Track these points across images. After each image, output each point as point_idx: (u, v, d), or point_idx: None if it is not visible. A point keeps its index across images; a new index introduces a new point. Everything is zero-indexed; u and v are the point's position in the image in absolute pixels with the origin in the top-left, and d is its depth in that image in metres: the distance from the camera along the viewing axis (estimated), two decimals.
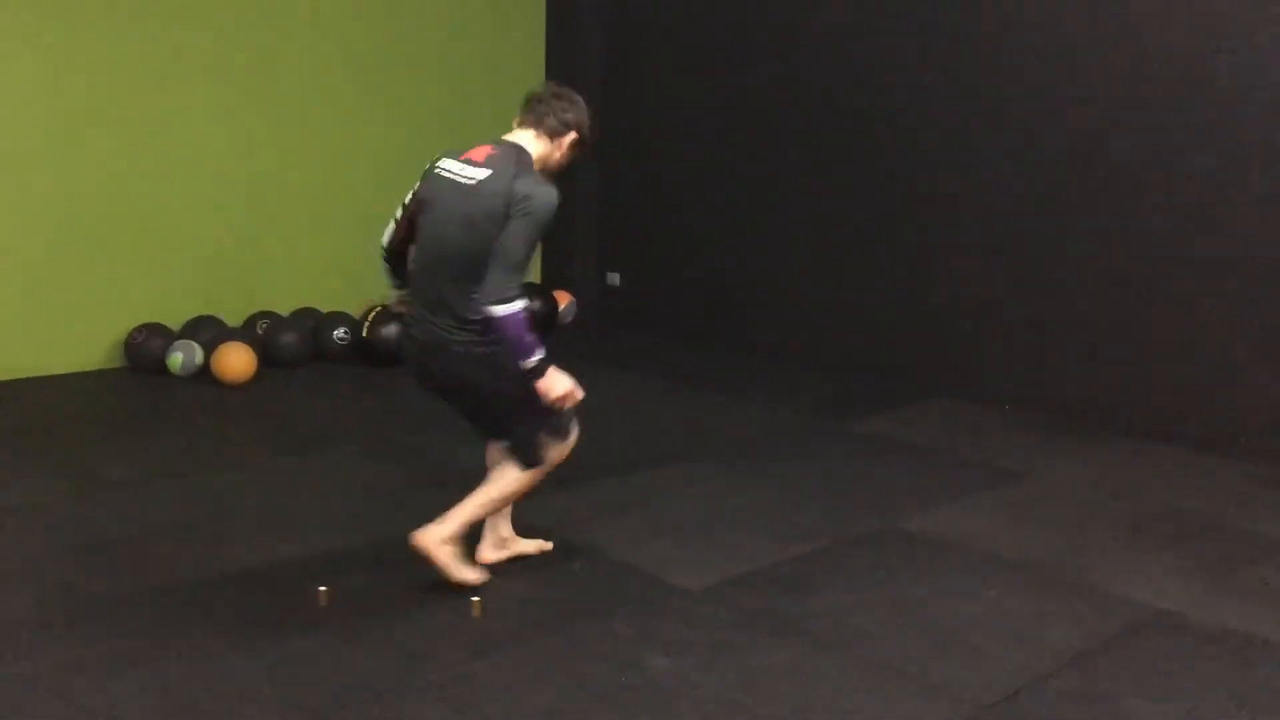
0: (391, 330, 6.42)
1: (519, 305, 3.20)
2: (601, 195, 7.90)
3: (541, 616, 3.41)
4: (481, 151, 3.37)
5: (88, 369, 6.20)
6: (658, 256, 7.65)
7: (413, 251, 3.55)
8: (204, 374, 6.03)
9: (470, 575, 3.49)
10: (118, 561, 3.71)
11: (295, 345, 6.40)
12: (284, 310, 6.73)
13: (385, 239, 3.63)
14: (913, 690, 3.03)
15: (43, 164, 5.90)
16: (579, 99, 3.53)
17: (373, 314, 6.44)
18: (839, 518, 4.30)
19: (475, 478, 3.61)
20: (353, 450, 5.01)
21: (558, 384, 3.29)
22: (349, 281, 6.97)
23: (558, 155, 3.49)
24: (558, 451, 3.54)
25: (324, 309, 6.80)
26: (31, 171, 5.88)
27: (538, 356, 3.23)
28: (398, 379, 6.21)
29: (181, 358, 6.03)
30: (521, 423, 3.45)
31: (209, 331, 6.24)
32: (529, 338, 3.22)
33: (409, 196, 3.55)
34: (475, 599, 3.40)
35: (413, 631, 3.27)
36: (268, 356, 6.30)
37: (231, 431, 5.29)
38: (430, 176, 3.45)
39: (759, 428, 5.53)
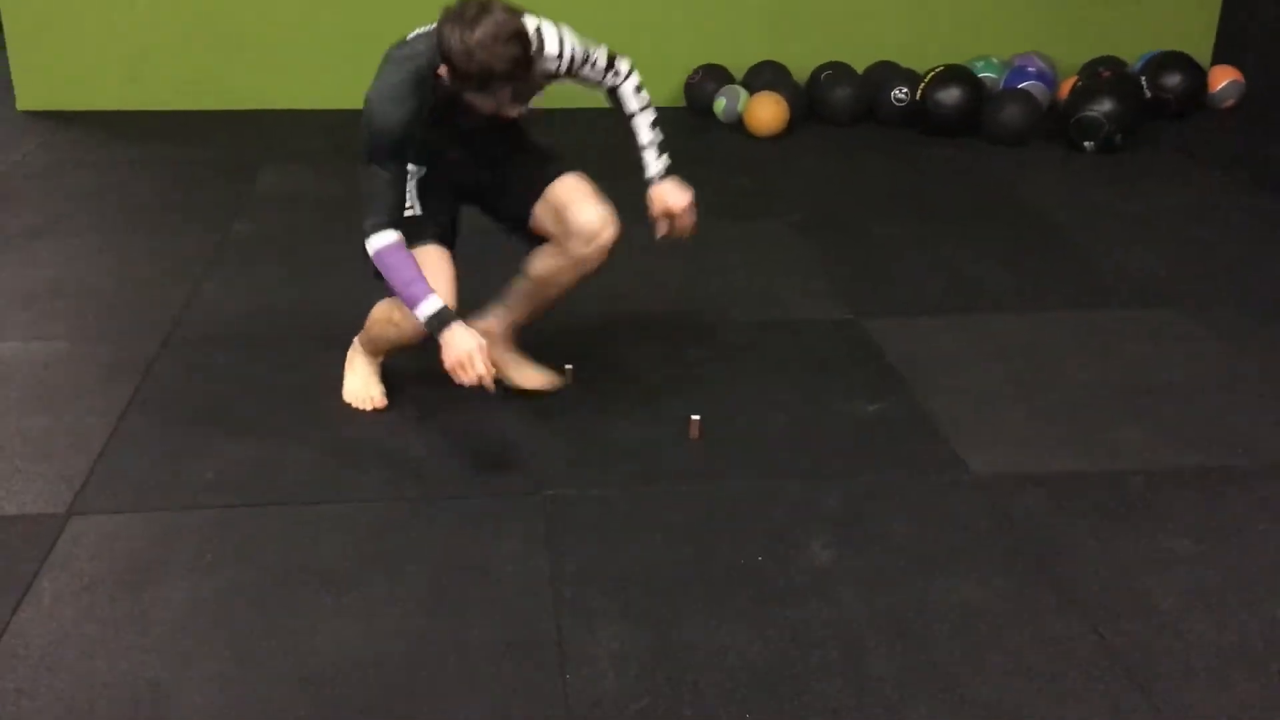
0: (952, 94, 5.57)
1: (377, 243, 2.55)
2: None
3: (758, 458, 2.81)
4: None
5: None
6: None
7: None
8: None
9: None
10: None
11: (845, 100, 5.84)
12: (859, 65, 6.14)
13: None
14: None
15: None
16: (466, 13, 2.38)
17: (931, 74, 5.62)
18: None
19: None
20: (794, 221, 4.49)
21: (449, 350, 2.54)
22: (932, 37, 6.15)
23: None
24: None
25: (905, 64, 6.09)
26: None
27: (421, 312, 2.54)
28: (937, 152, 5.41)
29: (725, 102, 5.83)
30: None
31: (766, 78, 5.95)
32: (408, 286, 2.54)
33: None
34: (695, 418, 2.90)
35: (605, 436, 2.90)
36: (817, 110, 5.86)
37: (709, 185, 4.94)
38: None
39: None
